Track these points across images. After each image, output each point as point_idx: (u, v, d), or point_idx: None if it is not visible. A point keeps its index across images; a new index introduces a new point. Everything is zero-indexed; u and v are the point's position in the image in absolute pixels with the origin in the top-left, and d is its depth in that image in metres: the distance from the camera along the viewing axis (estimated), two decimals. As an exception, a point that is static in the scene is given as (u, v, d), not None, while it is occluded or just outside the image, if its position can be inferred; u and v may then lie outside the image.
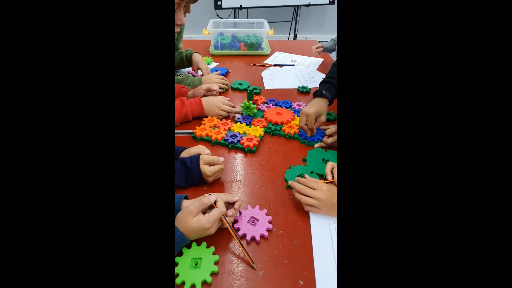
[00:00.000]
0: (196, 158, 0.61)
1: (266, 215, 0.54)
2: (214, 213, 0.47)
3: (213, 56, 1.31)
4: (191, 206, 0.47)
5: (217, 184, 0.63)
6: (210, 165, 0.60)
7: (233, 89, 1.04)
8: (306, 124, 0.73)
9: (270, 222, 0.53)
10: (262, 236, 0.51)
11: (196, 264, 0.46)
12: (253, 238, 0.51)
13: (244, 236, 0.51)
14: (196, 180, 0.60)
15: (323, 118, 0.74)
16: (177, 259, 0.46)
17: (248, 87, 1.03)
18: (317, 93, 0.77)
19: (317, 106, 0.74)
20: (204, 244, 0.48)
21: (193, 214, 0.47)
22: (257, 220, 0.53)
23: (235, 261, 0.48)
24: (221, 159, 0.61)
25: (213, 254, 0.47)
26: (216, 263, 0.46)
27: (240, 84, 1.05)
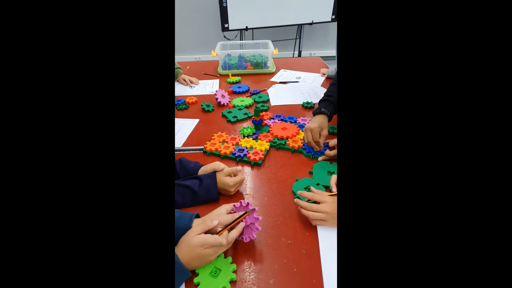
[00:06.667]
0: (212, 175, 0.64)
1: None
2: (214, 238, 0.47)
3: (220, 76, 1.37)
4: (195, 227, 0.48)
5: (230, 197, 0.66)
6: (230, 177, 0.64)
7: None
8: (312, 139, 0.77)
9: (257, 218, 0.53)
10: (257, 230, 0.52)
11: (215, 273, 0.48)
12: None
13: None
14: (211, 199, 0.63)
15: (325, 132, 0.78)
16: (197, 270, 0.48)
17: (259, 102, 1.11)
18: (316, 111, 0.82)
19: (318, 122, 0.78)
20: (221, 254, 0.51)
21: (194, 233, 0.47)
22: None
23: (246, 270, 0.50)
24: (239, 168, 0.66)
25: (231, 263, 0.50)
26: (234, 271, 0.49)
27: (260, 97, 1.15)
